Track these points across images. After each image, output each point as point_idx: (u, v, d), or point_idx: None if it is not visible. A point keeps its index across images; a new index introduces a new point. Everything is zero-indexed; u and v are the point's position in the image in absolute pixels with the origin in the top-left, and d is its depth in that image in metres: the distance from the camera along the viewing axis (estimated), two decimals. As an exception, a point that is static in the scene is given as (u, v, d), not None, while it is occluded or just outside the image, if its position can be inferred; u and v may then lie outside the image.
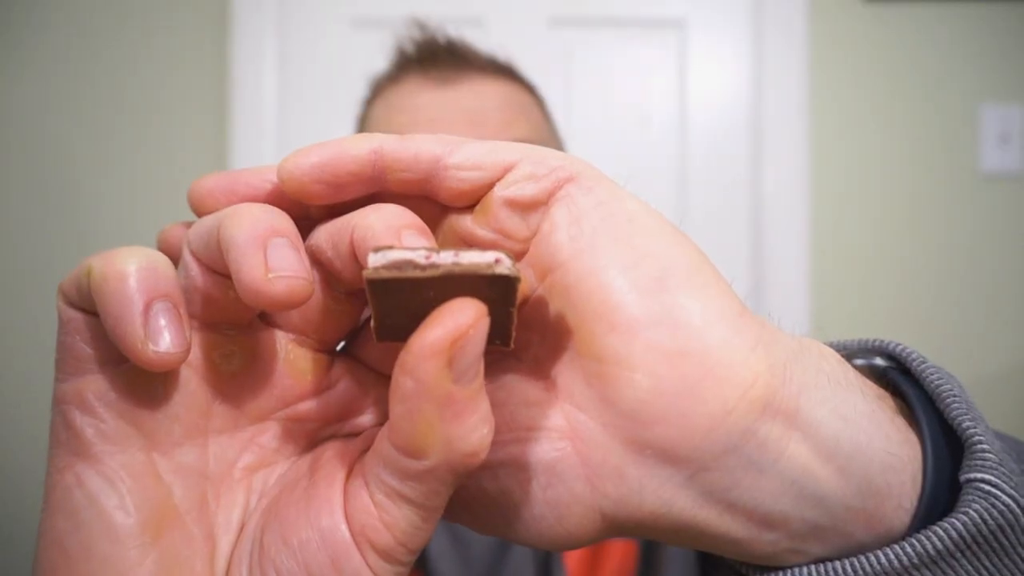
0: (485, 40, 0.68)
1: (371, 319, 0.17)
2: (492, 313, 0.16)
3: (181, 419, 0.19)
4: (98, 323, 0.18)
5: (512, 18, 1.30)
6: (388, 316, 0.17)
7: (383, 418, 0.22)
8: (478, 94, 0.62)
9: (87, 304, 0.18)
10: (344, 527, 0.17)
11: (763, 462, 0.17)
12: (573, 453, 0.19)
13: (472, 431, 0.16)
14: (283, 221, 0.18)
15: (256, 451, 0.20)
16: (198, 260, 0.19)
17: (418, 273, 0.16)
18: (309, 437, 0.21)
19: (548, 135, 0.67)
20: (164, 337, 0.17)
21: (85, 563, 0.17)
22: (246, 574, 0.18)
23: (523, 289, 0.19)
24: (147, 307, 0.17)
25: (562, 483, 0.19)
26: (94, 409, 0.18)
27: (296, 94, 1.29)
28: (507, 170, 0.19)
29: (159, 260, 0.18)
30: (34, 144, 1.28)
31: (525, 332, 0.20)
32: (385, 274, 0.16)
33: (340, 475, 0.18)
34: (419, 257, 0.16)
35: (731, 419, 0.17)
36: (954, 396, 0.19)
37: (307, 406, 0.21)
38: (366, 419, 0.22)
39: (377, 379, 0.22)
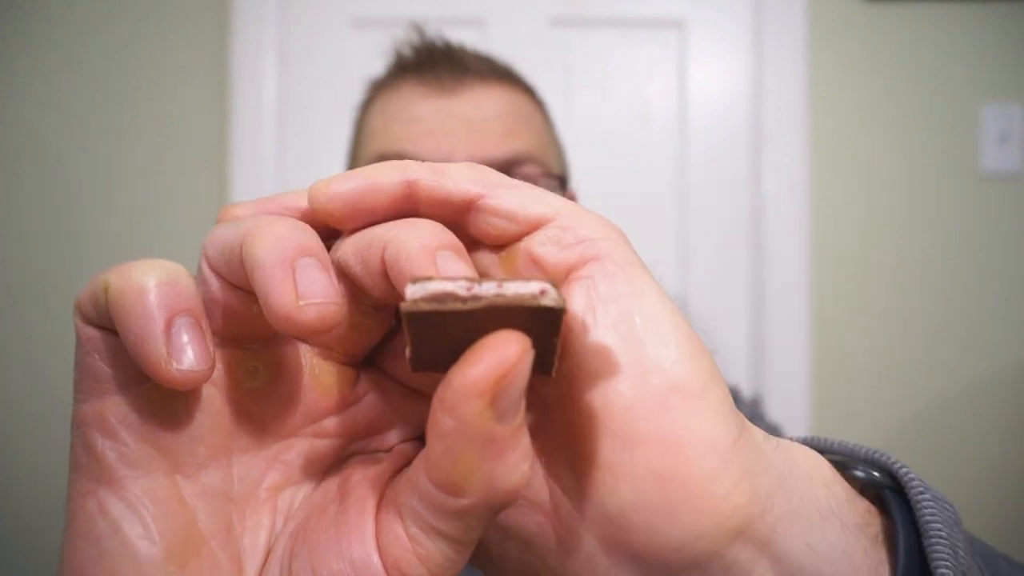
0: (485, 40, 0.68)
1: (406, 347, 0.16)
2: (535, 343, 0.16)
3: (205, 439, 0.18)
4: (118, 341, 0.17)
5: (512, 18, 1.29)
6: (425, 346, 0.16)
7: (410, 433, 0.21)
8: (477, 103, 0.61)
9: (105, 321, 0.17)
10: (376, 559, 0.17)
11: None
12: (551, 531, 0.19)
13: (514, 469, 0.16)
14: (310, 238, 0.17)
15: (281, 469, 0.20)
16: (218, 274, 0.18)
17: (459, 306, 0.15)
18: (335, 453, 0.21)
19: (549, 142, 0.66)
20: (188, 354, 0.16)
21: None
22: None
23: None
24: (169, 323, 0.16)
25: (536, 553, 0.19)
26: (116, 432, 0.17)
27: (296, 94, 1.29)
28: (538, 226, 0.19)
29: (179, 273, 0.17)
30: (33, 144, 1.28)
31: (531, 399, 0.19)
32: (425, 307, 0.15)
33: (371, 502, 0.18)
34: (460, 289, 0.15)
35: (701, 543, 0.17)
36: (940, 538, 0.19)
37: (333, 422, 0.20)
38: (393, 435, 0.21)
39: (404, 393, 0.21)
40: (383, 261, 0.17)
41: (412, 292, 0.15)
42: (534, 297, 0.15)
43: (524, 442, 0.16)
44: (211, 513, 0.18)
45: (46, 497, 1.19)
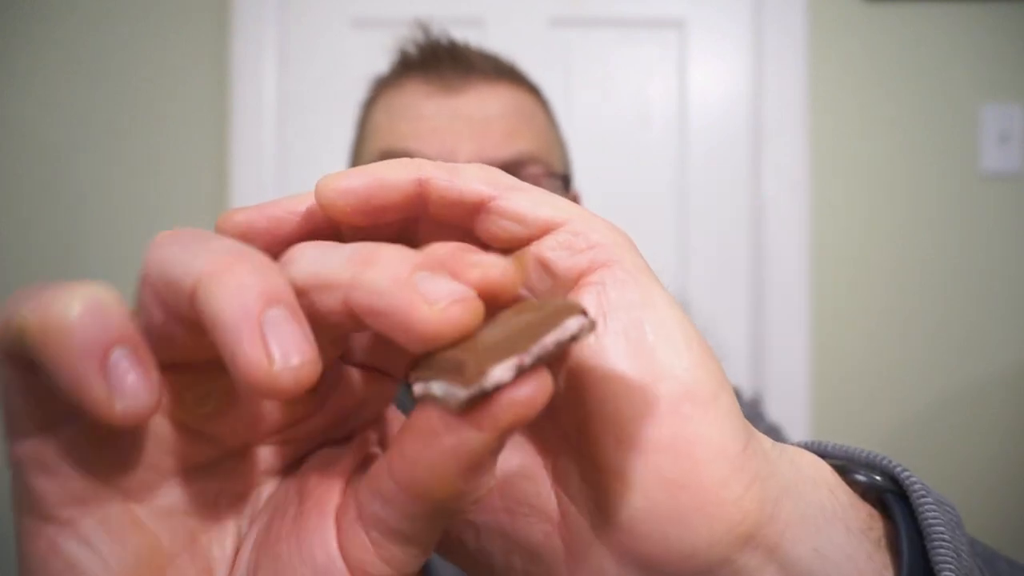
0: (485, 41, 0.68)
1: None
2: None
3: (155, 465, 0.17)
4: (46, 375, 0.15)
5: (512, 18, 1.29)
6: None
7: (369, 414, 0.21)
8: (482, 102, 0.61)
9: (25, 357, 0.15)
10: (340, 564, 0.17)
11: None
12: (558, 541, 0.19)
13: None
14: (275, 281, 0.15)
15: (240, 478, 0.19)
16: (163, 303, 0.16)
17: (465, 397, 0.14)
18: (296, 453, 0.20)
19: (552, 141, 0.66)
20: (130, 390, 0.14)
21: None
22: None
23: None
24: (104, 359, 0.14)
25: (543, 563, 0.19)
26: (57, 469, 0.16)
27: (296, 94, 1.29)
28: (549, 230, 0.19)
29: (106, 298, 0.15)
30: (33, 143, 1.28)
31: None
32: (434, 396, 0.15)
33: (331, 503, 0.18)
34: (507, 372, 0.14)
35: (712, 550, 0.17)
36: (943, 540, 0.19)
37: (293, 431, 0.19)
38: (353, 419, 0.21)
39: (363, 376, 0.20)
40: (347, 305, 0.15)
41: (418, 390, 0.15)
42: (573, 337, 0.15)
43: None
44: (173, 531, 0.17)
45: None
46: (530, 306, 0.16)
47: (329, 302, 0.15)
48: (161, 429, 0.17)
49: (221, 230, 0.18)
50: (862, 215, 1.28)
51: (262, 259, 0.15)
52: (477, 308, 0.14)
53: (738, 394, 0.69)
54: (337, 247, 0.16)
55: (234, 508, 0.19)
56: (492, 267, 0.15)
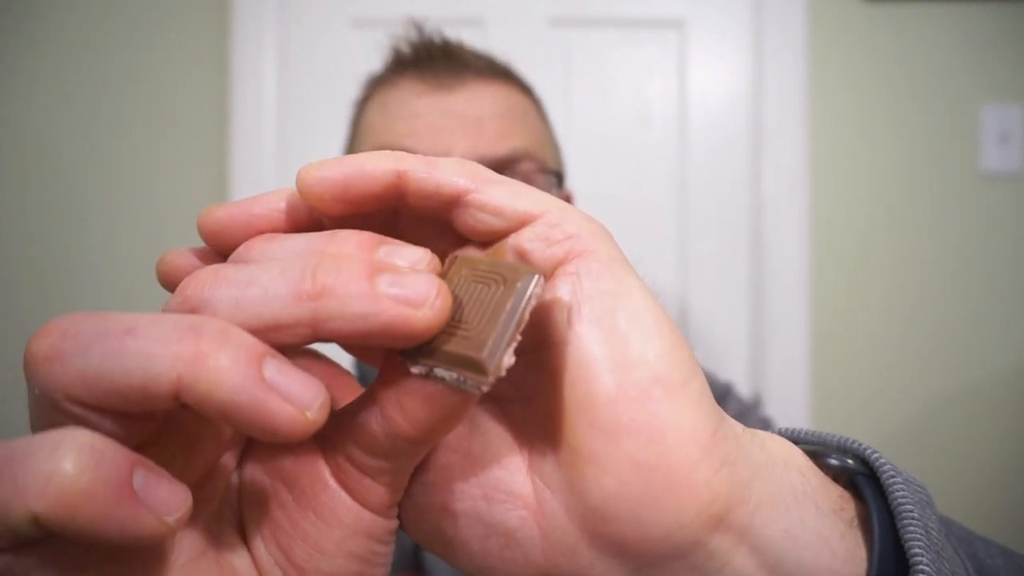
0: (485, 40, 0.68)
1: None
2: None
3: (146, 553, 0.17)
4: (50, 550, 0.15)
5: (512, 18, 1.29)
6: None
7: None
8: (475, 100, 0.62)
9: (38, 539, 0.14)
10: (366, 513, 0.19)
11: (707, 569, 0.18)
12: (534, 525, 0.19)
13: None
14: (247, 340, 0.15)
15: (216, 493, 0.20)
16: (106, 410, 0.15)
17: (456, 385, 0.17)
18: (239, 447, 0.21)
19: (545, 139, 0.67)
20: (170, 504, 0.15)
21: None
22: None
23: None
24: (131, 493, 0.14)
25: (519, 548, 0.20)
26: None
27: (296, 94, 1.29)
28: (526, 222, 0.19)
29: (95, 442, 0.14)
30: (33, 143, 1.28)
31: (513, 391, 0.20)
32: (429, 373, 0.17)
33: (324, 471, 0.19)
34: (452, 380, 0.17)
35: (683, 532, 0.18)
36: (913, 518, 0.19)
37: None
38: None
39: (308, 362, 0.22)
40: (315, 331, 0.16)
41: (418, 370, 0.17)
42: (537, 295, 0.17)
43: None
44: (202, 571, 0.18)
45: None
46: (483, 270, 0.18)
47: (288, 339, 0.16)
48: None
49: (201, 226, 0.19)
50: (862, 215, 1.28)
51: (223, 328, 0.15)
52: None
53: (729, 391, 0.69)
54: (289, 247, 0.18)
55: (231, 523, 0.20)
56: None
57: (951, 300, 1.28)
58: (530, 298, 0.17)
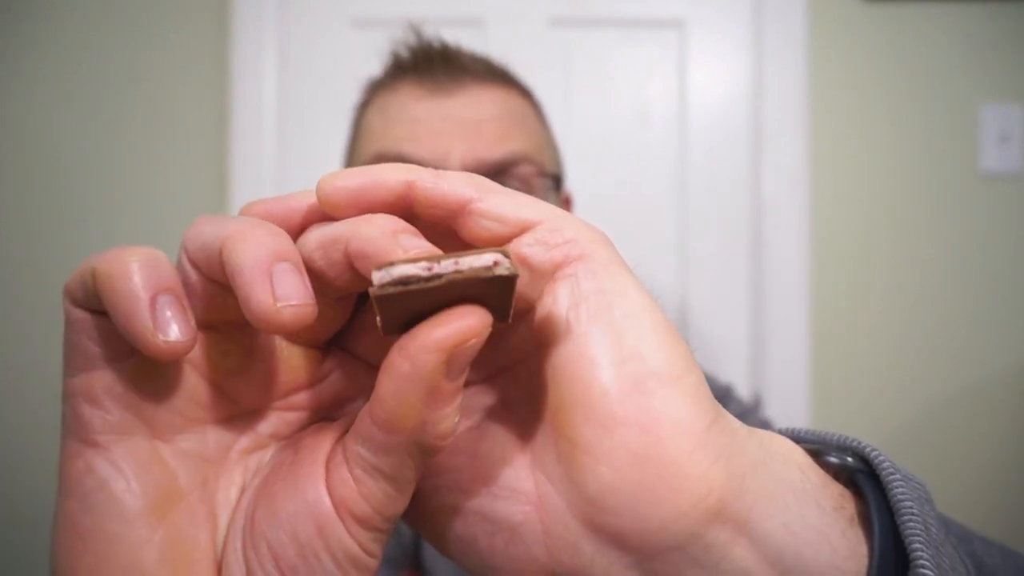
0: (485, 41, 0.69)
1: (376, 317, 0.18)
2: (494, 300, 0.18)
3: (181, 411, 0.20)
4: (104, 321, 0.19)
5: (512, 18, 1.30)
6: (395, 317, 0.18)
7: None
8: (474, 104, 0.62)
9: (93, 303, 0.19)
10: (327, 499, 0.19)
11: (706, 561, 0.19)
12: (536, 520, 0.20)
13: (445, 419, 0.18)
14: (285, 244, 0.19)
15: (252, 436, 0.22)
16: (196, 267, 0.20)
17: (422, 285, 0.17)
18: (302, 423, 0.22)
19: (544, 142, 0.67)
20: (172, 328, 0.18)
21: (98, 541, 0.19)
22: (239, 548, 0.20)
23: (523, 281, 0.20)
24: (153, 300, 0.18)
25: (523, 543, 0.20)
26: (101, 402, 0.19)
27: (296, 94, 1.29)
28: (527, 229, 0.20)
29: (159, 257, 0.19)
30: (33, 143, 1.28)
31: (515, 391, 0.22)
32: (392, 290, 0.17)
33: (323, 452, 0.20)
34: (421, 270, 0.17)
35: (681, 523, 0.18)
36: (912, 515, 0.20)
37: (300, 397, 0.22)
38: (355, 407, 0.23)
39: (367, 369, 0.23)
40: (347, 255, 0.19)
41: (378, 278, 0.17)
42: (488, 269, 0.17)
43: (458, 400, 0.18)
44: (189, 472, 0.20)
45: (48, 490, 1.19)
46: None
47: (334, 255, 0.19)
48: (190, 381, 0.20)
49: (245, 215, 0.21)
50: (862, 215, 1.28)
51: (276, 228, 0.19)
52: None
53: (730, 391, 0.70)
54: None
55: (242, 462, 0.21)
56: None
57: (951, 300, 1.28)
58: (487, 267, 0.17)
